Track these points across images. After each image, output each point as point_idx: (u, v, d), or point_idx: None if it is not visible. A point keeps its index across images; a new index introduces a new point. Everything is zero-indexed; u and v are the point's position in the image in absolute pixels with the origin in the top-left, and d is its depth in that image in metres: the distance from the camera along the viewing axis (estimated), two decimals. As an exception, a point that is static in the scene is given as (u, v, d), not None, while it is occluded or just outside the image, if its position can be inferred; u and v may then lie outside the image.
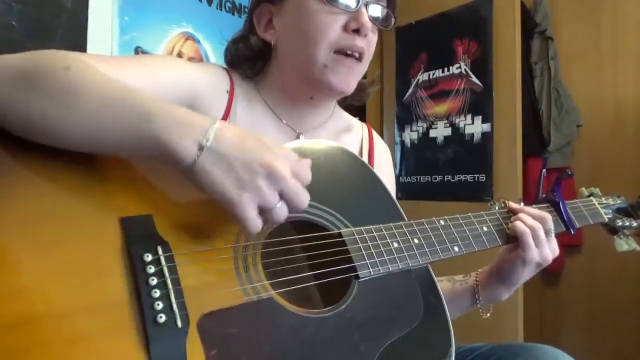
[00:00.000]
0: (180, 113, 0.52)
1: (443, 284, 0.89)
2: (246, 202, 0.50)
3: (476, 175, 2.08)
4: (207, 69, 0.80)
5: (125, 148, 0.52)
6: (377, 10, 0.79)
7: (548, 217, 0.81)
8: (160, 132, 0.50)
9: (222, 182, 0.50)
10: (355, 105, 0.96)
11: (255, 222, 0.51)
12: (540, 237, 0.78)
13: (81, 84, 0.51)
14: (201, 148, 0.50)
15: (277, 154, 0.53)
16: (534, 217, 0.80)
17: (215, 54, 1.96)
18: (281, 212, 0.53)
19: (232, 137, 0.52)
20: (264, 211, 0.52)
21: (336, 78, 0.76)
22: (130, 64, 0.69)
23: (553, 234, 0.81)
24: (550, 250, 0.80)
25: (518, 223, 0.79)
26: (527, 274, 0.81)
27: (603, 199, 1.04)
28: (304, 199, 0.54)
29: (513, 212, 0.83)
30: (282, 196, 0.53)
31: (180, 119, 0.51)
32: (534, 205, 0.88)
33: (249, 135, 0.54)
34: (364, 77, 0.85)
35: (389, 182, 0.94)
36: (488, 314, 0.85)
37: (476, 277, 0.87)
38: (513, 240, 0.80)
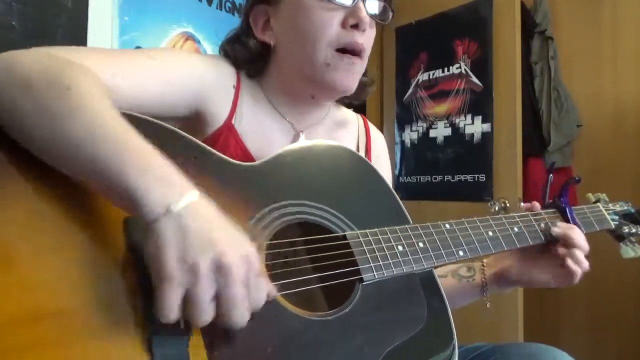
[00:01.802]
0: (163, 167, 0.49)
1: (448, 280, 0.89)
2: (174, 281, 0.44)
3: (476, 175, 2.08)
4: (215, 62, 0.80)
5: (95, 183, 0.49)
6: (374, 5, 0.79)
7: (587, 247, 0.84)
8: (133, 179, 0.46)
9: (165, 252, 0.44)
10: (355, 105, 0.96)
11: (171, 309, 0.44)
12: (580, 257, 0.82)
13: (73, 112, 0.49)
14: (167, 210, 0.46)
15: (240, 250, 0.47)
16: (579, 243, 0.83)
17: (215, 54, 1.96)
18: (205, 313, 0.45)
19: (204, 214, 0.48)
20: (187, 303, 0.45)
21: (339, 77, 0.76)
22: (136, 59, 0.68)
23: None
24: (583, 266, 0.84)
25: (577, 235, 0.82)
26: (549, 286, 0.85)
27: (610, 205, 1.03)
28: (239, 314, 0.46)
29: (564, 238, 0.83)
30: (217, 298, 0.46)
31: (160, 172, 0.48)
32: (542, 211, 0.89)
33: (223, 219, 0.49)
34: (364, 75, 0.85)
35: (386, 171, 0.95)
36: (489, 304, 0.87)
37: (483, 273, 0.87)
38: (521, 245, 0.82)
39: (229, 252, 0.46)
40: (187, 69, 0.73)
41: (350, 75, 0.77)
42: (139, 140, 0.50)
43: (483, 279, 0.87)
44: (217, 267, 0.45)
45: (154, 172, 0.48)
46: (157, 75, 0.69)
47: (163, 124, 0.60)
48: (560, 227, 0.83)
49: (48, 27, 1.48)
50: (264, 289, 0.49)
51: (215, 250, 0.45)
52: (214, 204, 0.50)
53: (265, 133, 0.80)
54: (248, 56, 0.82)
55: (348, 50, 0.76)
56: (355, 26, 0.75)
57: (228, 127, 0.76)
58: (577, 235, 0.81)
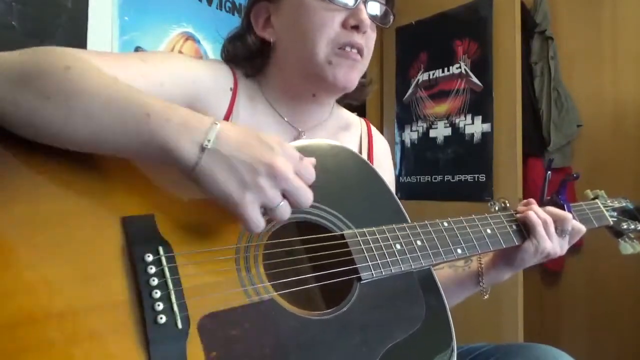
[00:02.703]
0: (181, 113, 0.52)
1: (444, 271, 0.90)
2: (248, 202, 0.51)
3: (476, 175, 2.08)
4: (211, 66, 0.79)
5: (126, 150, 0.52)
6: (375, 8, 0.79)
7: (568, 217, 0.85)
8: (160, 133, 0.50)
9: (224, 184, 0.50)
10: (355, 105, 0.95)
11: (258, 222, 0.52)
12: (550, 230, 0.83)
13: (81, 86, 0.51)
14: (202, 150, 0.50)
15: (279, 152, 0.53)
16: (553, 214, 0.84)
17: (215, 54, 1.96)
18: (284, 211, 0.53)
19: (234, 137, 0.52)
20: (266, 210, 0.52)
21: (340, 73, 0.76)
22: (131, 61, 0.68)
23: (567, 235, 0.85)
24: (559, 245, 0.84)
25: (531, 214, 0.82)
26: (535, 261, 0.85)
27: (608, 201, 1.03)
28: (307, 197, 0.54)
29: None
30: (284, 195, 0.53)
31: (181, 120, 0.51)
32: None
33: (251, 134, 0.53)
34: (363, 76, 0.85)
35: (389, 176, 0.95)
36: (487, 295, 0.88)
37: (479, 261, 0.88)
38: (520, 242, 0.83)
39: (273, 159, 0.52)
40: (181, 72, 0.73)
41: (351, 71, 0.77)
42: (150, 96, 0.53)
43: (479, 266, 0.87)
44: (272, 175, 0.51)
45: (176, 119, 0.51)
46: (150, 78, 0.68)
47: None
48: (519, 208, 0.86)
49: (48, 27, 1.48)
50: (310, 165, 0.56)
51: (263, 163, 0.51)
52: (234, 123, 0.55)
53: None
54: (247, 53, 0.82)
55: (346, 49, 0.76)
56: (356, 27, 0.75)
57: None
58: (532, 215, 0.82)
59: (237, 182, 0.51)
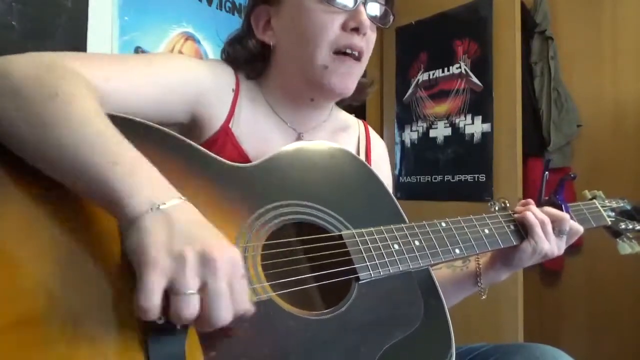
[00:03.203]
0: (149, 175, 0.49)
1: (442, 271, 0.90)
2: (159, 268, 0.43)
3: (476, 175, 2.08)
4: (214, 66, 0.80)
5: (82, 190, 0.49)
6: (375, 8, 0.79)
7: (566, 217, 0.85)
8: (119, 181, 0.46)
9: (150, 240, 0.44)
10: (355, 105, 0.96)
11: (153, 293, 0.42)
12: (548, 230, 0.83)
13: (60, 118, 0.50)
14: (152, 208, 0.46)
15: (226, 251, 0.46)
16: (550, 214, 0.84)
17: (215, 54, 1.96)
18: (189, 304, 0.43)
19: (192, 214, 0.48)
20: (171, 294, 0.43)
21: (336, 79, 0.76)
22: (132, 64, 0.68)
23: (565, 235, 0.86)
24: (557, 245, 0.84)
25: (528, 214, 0.83)
26: (533, 261, 0.85)
27: (606, 201, 1.04)
28: (223, 309, 0.45)
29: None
30: (201, 290, 0.44)
31: (145, 179, 0.48)
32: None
33: (209, 224, 0.49)
34: (363, 76, 0.85)
35: (386, 178, 0.95)
36: (485, 295, 0.88)
37: (477, 261, 0.88)
38: (518, 242, 0.83)
39: (216, 247, 0.45)
40: (183, 74, 0.73)
41: (348, 78, 0.78)
42: (127, 145, 0.50)
43: (477, 266, 0.88)
44: (203, 258, 0.44)
45: (141, 176, 0.48)
46: (153, 80, 0.68)
47: (154, 125, 0.60)
48: (517, 209, 0.86)
49: (48, 27, 1.48)
50: (246, 293, 0.48)
51: (203, 242, 0.45)
52: (198, 211, 0.50)
53: (264, 136, 0.80)
54: (248, 56, 0.82)
55: (347, 54, 0.76)
56: (356, 29, 0.75)
57: (225, 130, 0.76)
58: (529, 215, 0.83)
59: (164, 243, 0.44)
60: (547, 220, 0.83)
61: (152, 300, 0.42)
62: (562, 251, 0.86)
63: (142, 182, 0.47)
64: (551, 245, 0.83)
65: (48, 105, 0.50)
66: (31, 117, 0.50)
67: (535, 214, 0.83)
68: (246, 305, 0.48)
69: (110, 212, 0.48)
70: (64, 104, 0.51)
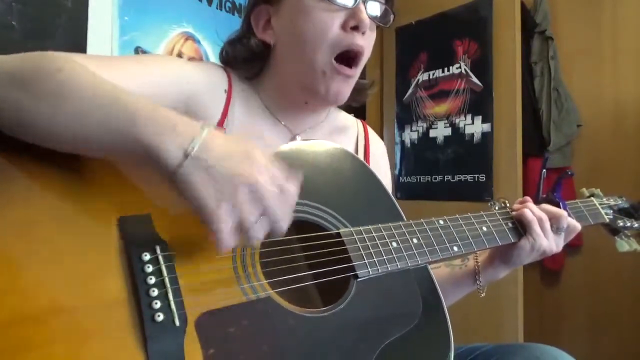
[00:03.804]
0: (168, 117, 0.51)
1: (441, 270, 0.90)
2: (222, 216, 0.48)
3: (476, 175, 2.08)
4: (205, 68, 0.80)
5: (110, 151, 0.51)
6: (375, 7, 0.79)
7: (564, 214, 0.85)
8: (144, 135, 0.48)
9: (201, 192, 0.48)
10: (354, 106, 0.95)
11: (228, 238, 0.49)
12: (546, 227, 0.83)
13: (70, 87, 0.51)
14: (186, 155, 0.48)
15: (264, 169, 0.51)
16: (548, 211, 0.84)
17: (215, 54, 1.96)
18: (257, 231, 0.50)
19: (219, 146, 0.50)
20: (240, 228, 0.50)
21: (332, 88, 0.77)
22: (126, 64, 0.68)
23: (563, 233, 0.86)
24: (555, 243, 0.84)
25: (526, 211, 0.83)
26: (531, 258, 0.85)
27: (604, 199, 1.04)
28: (284, 221, 0.52)
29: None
30: (262, 215, 0.50)
31: (167, 123, 0.50)
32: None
33: (239, 145, 0.52)
34: (362, 77, 0.85)
35: (385, 178, 0.95)
36: (483, 293, 0.88)
37: (476, 259, 0.88)
38: (516, 240, 0.83)
39: (256, 176, 0.49)
40: (175, 73, 0.73)
41: (344, 85, 0.78)
42: (140, 98, 0.52)
43: (476, 264, 0.88)
44: (252, 191, 0.49)
45: (163, 123, 0.50)
46: (145, 81, 0.68)
47: None
48: (514, 207, 0.86)
49: (48, 27, 1.48)
50: (293, 186, 0.53)
51: (244, 177, 0.49)
52: (221, 133, 0.52)
53: (260, 136, 0.80)
54: (247, 55, 0.82)
55: (346, 58, 0.76)
56: (356, 28, 0.74)
57: None
58: (527, 212, 0.83)
59: (214, 193, 0.48)
60: (545, 217, 0.83)
61: (232, 242, 0.49)
62: (560, 248, 0.86)
63: (166, 128, 0.49)
64: (549, 242, 0.83)
65: (54, 78, 0.51)
66: (40, 94, 0.50)
67: (533, 211, 0.83)
68: (295, 197, 0.53)
69: (145, 165, 0.50)
70: (69, 75, 0.52)
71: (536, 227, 0.82)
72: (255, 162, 0.51)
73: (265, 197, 0.49)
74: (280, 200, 0.51)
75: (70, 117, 0.50)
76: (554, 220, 0.84)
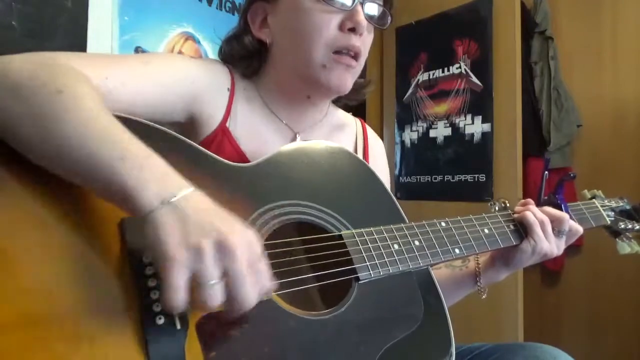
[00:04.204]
0: (158, 167, 0.49)
1: (442, 271, 0.90)
2: (180, 262, 0.43)
3: (476, 175, 2.08)
4: (209, 66, 0.79)
5: (89, 183, 0.50)
6: (373, 9, 0.78)
7: (566, 217, 0.85)
8: (128, 177, 0.47)
9: (166, 234, 0.45)
10: (355, 105, 0.95)
11: (178, 290, 0.43)
12: (548, 230, 0.83)
13: (66, 113, 0.50)
14: (163, 203, 0.46)
15: (241, 235, 0.47)
16: (550, 215, 0.84)
17: (214, 54, 1.96)
18: (215, 294, 0.45)
19: (201, 203, 0.48)
20: (195, 285, 0.45)
21: (334, 77, 0.76)
22: (134, 66, 0.68)
23: (565, 235, 0.85)
24: (556, 245, 0.84)
25: (528, 214, 0.82)
26: (532, 261, 0.85)
27: (606, 201, 1.04)
28: (249, 293, 0.46)
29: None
30: (224, 277, 0.45)
31: (155, 173, 0.48)
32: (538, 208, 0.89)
33: (222, 211, 0.49)
34: (361, 76, 0.85)
35: (384, 176, 0.95)
36: (485, 295, 0.88)
37: (477, 260, 0.88)
38: (518, 242, 0.83)
39: (231, 233, 0.46)
40: (180, 73, 0.73)
41: (346, 75, 0.77)
42: (134, 140, 0.50)
43: (477, 266, 0.88)
44: (221, 246, 0.45)
45: (150, 170, 0.48)
46: (151, 79, 0.68)
47: (154, 124, 0.60)
48: (516, 209, 0.86)
49: (48, 27, 1.48)
50: (267, 273, 0.49)
51: (218, 232, 0.45)
52: (210, 199, 0.50)
53: (261, 135, 0.80)
54: (244, 53, 0.81)
55: (344, 53, 0.76)
56: (353, 30, 0.74)
57: (222, 130, 0.76)
58: (529, 215, 0.83)
59: (179, 238, 0.44)
60: (547, 220, 0.83)
61: (180, 296, 0.44)
62: (561, 251, 0.86)
63: (151, 176, 0.48)
64: (551, 245, 0.83)
65: (53, 100, 0.50)
66: (36, 113, 0.49)
67: (535, 214, 0.83)
68: (269, 283, 0.49)
69: (120, 207, 0.48)
70: (69, 99, 0.51)
71: (538, 230, 0.82)
72: (234, 226, 0.48)
73: (232, 257, 0.45)
74: (250, 272, 0.46)
75: (58, 144, 0.49)
76: (556, 223, 0.84)
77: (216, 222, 0.46)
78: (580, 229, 0.88)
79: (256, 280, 0.47)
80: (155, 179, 0.47)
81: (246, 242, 0.47)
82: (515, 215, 0.85)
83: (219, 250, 0.45)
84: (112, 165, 0.47)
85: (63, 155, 0.49)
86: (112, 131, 0.50)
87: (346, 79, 0.78)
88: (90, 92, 0.54)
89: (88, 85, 0.55)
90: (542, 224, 0.82)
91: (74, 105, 0.51)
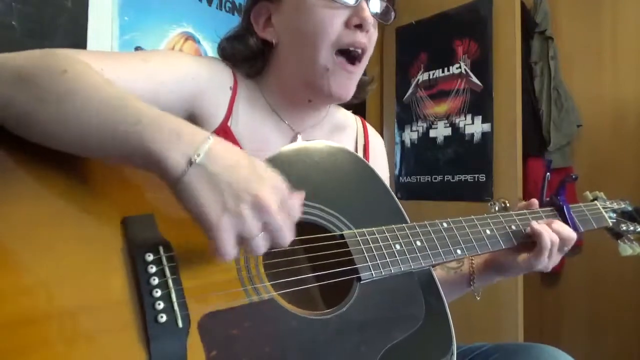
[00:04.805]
0: (173, 123, 0.50)
1: (436, 273, 0.89)
2: (224, 227, 0.47)
3: (476, 175, 2.08)
4: (211, 64, 0.79)
5: (113, 155, 0.50)
6: (376, 5, 0.78)
7: (574, 238, 0.83)
8: (149, 141, 0.48)
9: (204, 202, 0.47)
10: (355, 105, 0.95)
11: (230, 250, 0.48)
12: (554, 252, 0.81)
13: (75, 88, 0.51)
14: (190, 163, 0.48)
15: (268, 183, 0.50)
16: (561, 235, 0.82)
17: (215, 54, 1.96)
18: (259, 244, 0.49)
19: (224, 156, 0.49)
20: (242, 240, 0.49)
21: (336, 85, 0.76)
22: (131, 61, 0.68)
23: (563, 253, 0.85)
24: (553, 262, 0.83)
25: (545, 237, 0.80)
26: (526, 272, 0.85)
27: (607, 202, 1.04)
28: (287, 235, 0.51)
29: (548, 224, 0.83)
30: (264, 229, 0.49)
31: (172, 129, 0.49)
32: (540, 209, 0.89)
33: (243, 157, 0.51)
34: (364, 73, 0.85)
35: (384, 173, 0.95)
36: (479, 297, 0.88)
37: (471, 264, 0.88)
38: (519, 243, 0.82)
39: (260, 188, 0.49)
40: (181, 71, 0.73)
41: (347, 84, 0.78)
42: (144, 104, 0.51)
43: (471, 269, 0.87)
44: (257, 206, 0.48)
45: (167, 129, 0.49)
46: (150, 76, 0.68)
47: None
48: (533, 225, 0.82)
49: (48, 27, 1.48)
50: (297, 204, 0.53)
51: (250, 192, 0.48)
52: (228, 143, 0.52)
53: (263, 135, 0.80)
54: (248, 54, 0.81)
55: (349, 51, 0.76)
56: (359, 26, 0.74)
57: (224, 129, 0.76)
58: (546, 238, 0.80)
59: (217, 204, 0.47)
60: (557, 242, 0.81)
61: (233, 254, 0.48)
62: (556, 263, 0.85)
63: (171, 136, 0.48)
64: (548, 263, 0.82)
65: (59, 80, 0.51)
66: (44, 98, 0.50)
67: (552, 239, 0.80)
68: (299, 214, 0.53)
69: (150, 171, 0.49)
70: (74, 77, 0.51)
71: (546, 253, 0.80)
72: (259, 175, 0.50)
73: (268, 210, 0.48)
74: (284, 213, 0.50)
75: (74, 118, 0.49)
76: (563, 243, 0.82)
77: (244, 177, 0.49)
78: (574, 236, 0.86)
79: (290, 216, 0.51)
80: (175, 138, 0.48)
81: (274, 188, 0.50)
82: (529, 229, 0.82)
83: (256, 210, 0.48)
84: (130, 131, 0.48)
85: (78, 129, 0.49)
86: (122, 98, 0.51)
87: (347, 87, 0.78)
88: (91, 70, 0.55)
89: (88, 66, 0.56)
90: (552, 246, 0.81)
91: (79, 81, 0.51)
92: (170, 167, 0.48)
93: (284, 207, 0.51)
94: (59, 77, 0.51)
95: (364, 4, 0.74)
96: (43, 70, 0.51)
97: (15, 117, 0.50)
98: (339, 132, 0.91)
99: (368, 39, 0.77)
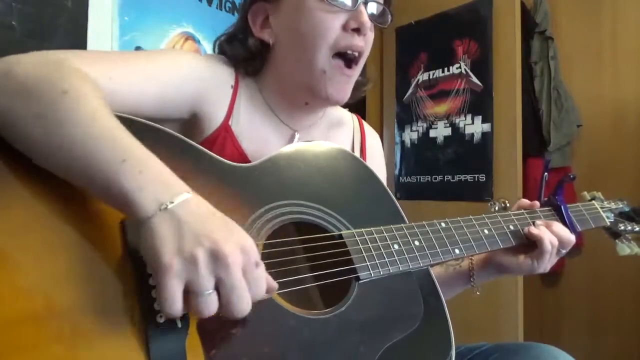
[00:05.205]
0: (158, 170, 0.49)
1: (435, 269, 0.90)
2: (174, 271, 0.44)
3: (476, 175, 2.08)
4: (214, 63, 0.79)
5: (90, 186, 0.50)
6: (374, 7, 0.79)
7: (572, 241, 0.84)
8: (127, 182, 0.47)
9: (160, 242, 0.45)
10: (355, 105, 0.95)
11: (173, 298, 0.44)
12: (553, 254, 0.82)
13: (69, 114, 0.50)
14: (161, 208, 0.46)
15: (235, 239, 0.47)
16: (560, 238, 0.83)
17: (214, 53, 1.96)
18: (208, 303, 0.45)
19: (199, 209, 0.48)
20: (190, 295, 0.45)
21: (333, 88, 0.76)
22: (138, 64, 0.68)
23: (561, 256, 0.85)
24: (550, 263, 0.84)
25: (546, 241, 0.81)
26: (527, 274, 0.86)
27: (605, 202, 1.04)
28: (242, 303, 0.46)
29: (547, 225, 0.84)
30: (217, 285, 0.45)
31: (154, 175, 0.48)
32: (538, 209, 0.89)
33: (219, 214, 0.49)
34: (361, 76, 0.85)
35: (380, 172, 0.95)
36: (478, 292, 0.88)
37: (471, 261, 0.88)
38: (517, 243, 0.82)
39: (226, 241, 0.46)
40: (184, 71, 0.73)
41: (344, 87, 0.78)
42: (135, 142, 0.50)
43: (471, 265, 0.88)
44: (214, 256, 0.45)
45: (149, 173, 0.48)
46: (155, 78, 0.69)
47: (157, 125, 0.60)
48: (532, 230, 0.83)
49: (48, 27, 1.48)
50: (263, 279, 0.49)
51: (212, 240, 0.45)
52: (208, 203, 0.50)
53: (262, 134, 0.80)
54: (246, 54, 0.81)
55: (345, 56, 0.76)
56: (357, 30, 0.74)
57: (225, 128, 0.76)
58: (546, 242, 0.81)
59: (173, 246, 0.44)
60: (557, 245, 0.82)
61: (176, 305, 0.44)
62: (547, 270, 0.86)
63: (151, 179, 0.48)
64: (547, 265, 0.83)
65: (57, 103, 0.50)
66: (40, 116, 0.50)
67: (551, 241, 0.81)
68: (263, 292, 0.49)
69: (119, 210, 0.48)
70: (72, 101, 0.51)
71: (547, 256, 0.81)
72: (230, 229, 0.48)
73: (226, 263, 0.45)
74: (244, 280, 0.46)
75: (59, 145, 0.49)
76: (561, 245, 0.83)
77: (211, 229, 0.46)
78: (572, 239, 0.86)
79: (250, 288, 0.47)
80: (154, 183, 0.47)
81: (241, 248, 0.47)
82: (529, 232, 0.82)
83: (213, 259, 0.45)
84: (112, 167, 0.47)
85: (66, 158, 0.49)
86: (114, 133, 0.50)
87: (344, 91, 0.78)
88: (94, 92, 0.54)
89: (92, 86, 0.55)
90: (552, 248, 0.81)
91: (76, 107, 0.51)
92: (139, 207, 0.46)
93: (246, 273, 0.47)
94: (58, 100, 0.50)
95: (362, 8, 0.74)
96: (45, 90, 0.51)
97: (11, 127, 0.50)
98: (336, 130, 0.92)
99: (365, 42, 0.77)
